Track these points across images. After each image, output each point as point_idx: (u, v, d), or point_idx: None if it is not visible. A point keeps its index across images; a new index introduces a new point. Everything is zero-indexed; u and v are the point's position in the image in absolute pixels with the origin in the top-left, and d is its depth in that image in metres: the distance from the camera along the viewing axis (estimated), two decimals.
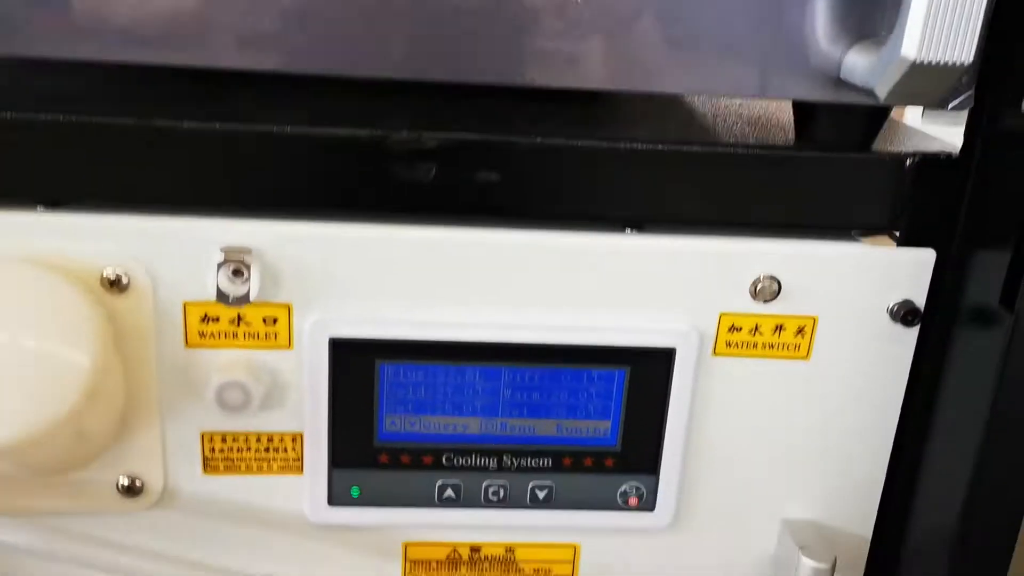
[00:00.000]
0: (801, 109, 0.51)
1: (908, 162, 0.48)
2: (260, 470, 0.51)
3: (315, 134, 0.46)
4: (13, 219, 0.45)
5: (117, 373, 0.47)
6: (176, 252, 0.46)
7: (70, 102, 0.48)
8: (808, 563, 0.51)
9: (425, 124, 0.47)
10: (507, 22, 0.44)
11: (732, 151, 0.48)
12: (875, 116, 0.49)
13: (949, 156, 0.48)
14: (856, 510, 0.54)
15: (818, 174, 0.48)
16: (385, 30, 0.44)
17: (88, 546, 0.49)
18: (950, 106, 0.45)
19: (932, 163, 0.48)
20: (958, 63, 0.40)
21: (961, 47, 0.40)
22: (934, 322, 0.50)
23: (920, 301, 0.50)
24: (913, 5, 0.40)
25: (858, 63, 0.44)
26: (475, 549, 0.54)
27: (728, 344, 0.50)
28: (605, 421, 0.51)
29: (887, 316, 0.50)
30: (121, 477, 0.50)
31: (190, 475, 0.51)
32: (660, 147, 0.47)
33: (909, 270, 0.49)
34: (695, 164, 0.48)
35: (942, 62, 0.40)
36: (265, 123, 0.46)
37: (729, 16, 0.45)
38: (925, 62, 0.40)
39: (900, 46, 0.40)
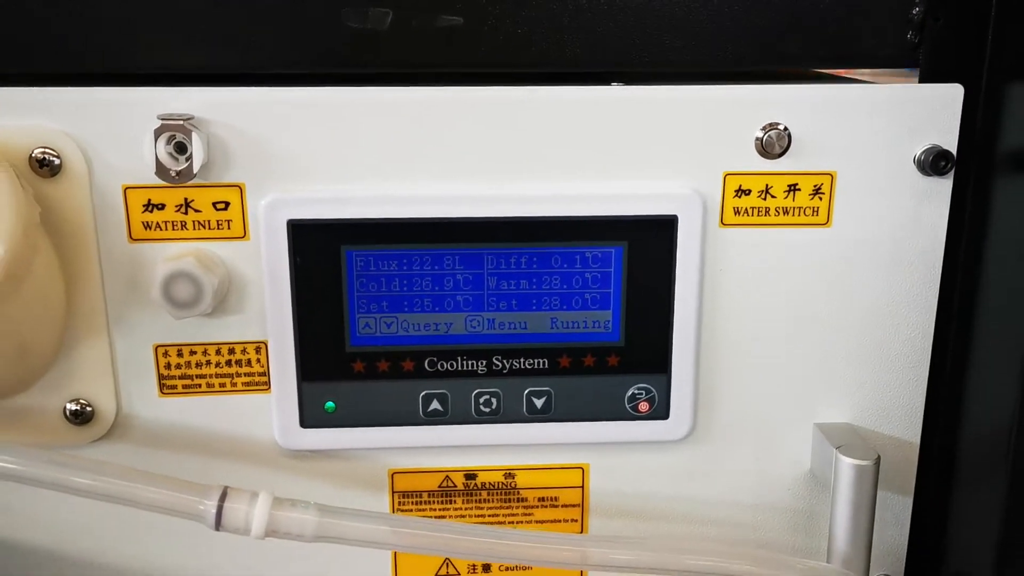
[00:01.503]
0: None
1: None
2: (223, 388, 0.43)
3: None
4: None
5: (51, 267, 0.40)
6: (112, 128, 0.39)
7: None
8: (848, 462, 0.42)
9: None
10: None
11: None
12: None
13: None
14: (899, 406, 0.45)
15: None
16: None
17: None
18: None
19: None
20: None
21: None
22: (969, 171, 0.42)
23: (951, 145, 0.42)
24: None
25: None
26: (470, 476, 0.45)
27: (736, 211, 0.42)
28: (605, 312, 0.43)
29: (914, 166, 0.42)
30: (68, 403, 0.43)
31: (145, 397, 0.43)
32: None
33: (935, 109, 0.41)
34: None
35: None
36: None
37: None
38: None
39: None
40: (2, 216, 0.36)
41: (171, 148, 0.39)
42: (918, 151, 0.42)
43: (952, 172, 0.42)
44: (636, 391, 0.44)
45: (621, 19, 0.41)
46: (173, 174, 0.39)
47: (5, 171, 0.37)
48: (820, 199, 0.42)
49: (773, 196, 0.42)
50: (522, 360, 0.43)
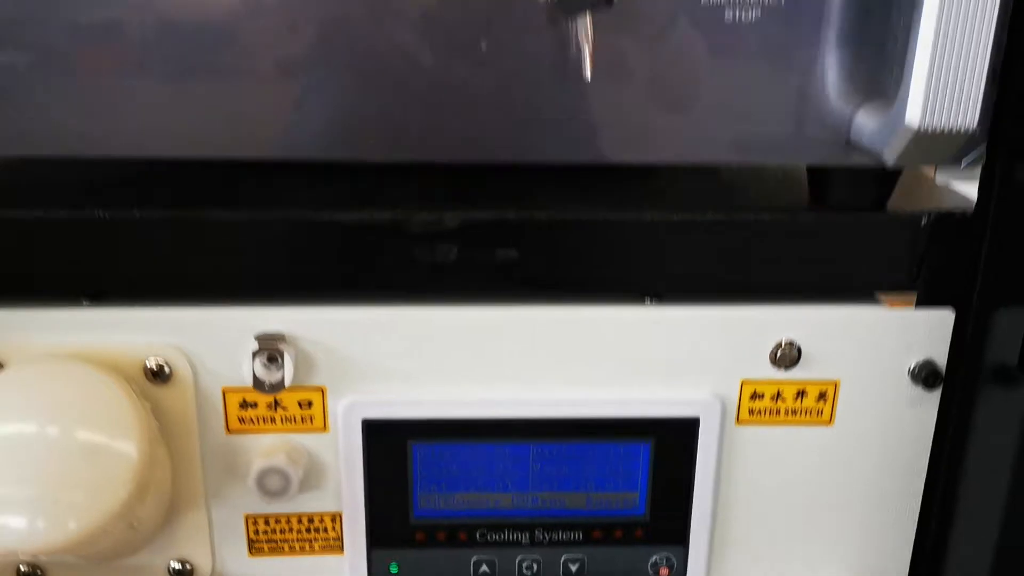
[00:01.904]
0: (814, 170, 0.49)
1: (923, 221, 0.46)
2: (303, 551, 0.50)
3: (339, 219, 0.45)
4: (59, 315, 0.45)
5: (165, 462, 0.46)
6: (213, 341, 0.45)
7: (101, 196, 0.47)
8: None
9: (445, 204, 0.46)
10: (518, 102, 0.43)
11: (748, 218, 0.46)
12: (888, 176, 0.47)
13: (964, 214, 0.46)
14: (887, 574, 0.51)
15: (834, 237, 0.46)
16: (400, 116, 0.43)
17: None
18: (963, 164, 0.43)
19: (947, 221, 0.46)
20: (962, 129, 0.38)
21: (964, 113, 0.38)
22: (956, 383, 0.47)
23: (941, 362, 0.47)
24: (915, 72, 0.38)
25: (866, 126, 0.43)
26: None
27: (751, 412, 0.48)
28: (633, 492, 0.49)
29: (908, 378, 0.47)
30: (172, 561, 0.49)
31: (236, 557, 0.49)
32: (675, 217, 0.46)
33: (929, 330, 0.47)
34: (712, 233, 0.46)
35: (946, 128, 0.38)
36: (291, 209, 0.45)
37: (738, 83, 0.43)
38: (929, 129, 0.38)
39: (904, 113, 0.39)
40: (131, 436, 0.42)
41: (264, 360, 0.45)
42: (912, 364, 0.47)
43: (941, 387, 0.47)
44: (658, 558, 0.50)
45: (653, 251, 0.46)
46: (267, 387, 0.45)
47: (127, 393, 0.43)
48: (824, 402, 0.48)
49: (784, 400, 0.48)
50: (560, 532, 0.49)
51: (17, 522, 0.40)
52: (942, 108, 0.38)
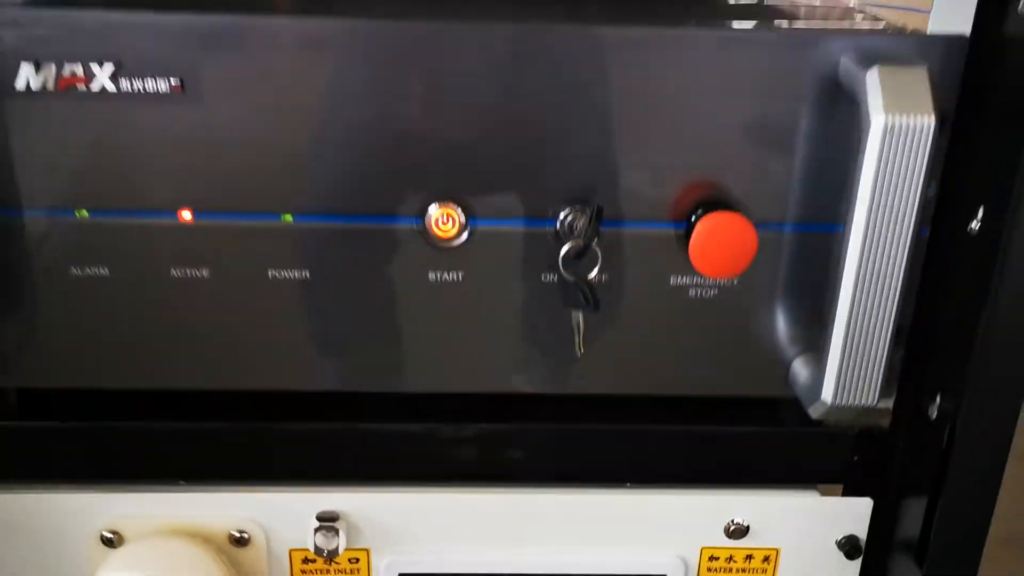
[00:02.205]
0: None
1: (849, 433, 0.57)
2: None
3: (383, 429, 0.57)
4: (161, 496, 0.57)
5: None
6: (283, 516, 0.58)
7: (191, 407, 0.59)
8: None
9: (466, 415, 0.57)
10: (525, 360, 0.54)
11: (712, 431, 0.57)
12: None
13: (881, 429, 0.57)
14: None
15: (780, 445, 0.58)
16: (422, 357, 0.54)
17: None
18: (877, 403, 0.53)
19: (868, 434, 0.57)
20: (866, 404, 0.49)
21: (868, 393, 0.49)
22: (874, 555, 0.59)
23: (862, 537, 0.59)
24: (829, 363, 0.49)
25: (799, 376, 0.53)
26: None
27: (709, 570, 0.60)
28: None
29: (835, 548, 0.59)
30: None
31: None
32: (652, 428, 0.57)
33: (853, 514, 0.58)
34: (682, 440, 0.57)
35: (853, 404, 0.49)
36: (344, 421, 0.57)
37: (698, 338, 0.54)
38: (840, 404, 0.49)
39: (820, 390, 0.50)
40: None
41: (323, 533, 0.57)
42: (839, 538, 0.59)
43: (860, 558, 0.59)
44: None
45: (634, 450, 0.58)
46: (325, 554, 0.57)
47: (216, 558, 0.56)
48: (768, 564, 0.60)
49: (735, 561, 0.59)
50: None
51: None
52: (850, 391, 0.49)
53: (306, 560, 0.59)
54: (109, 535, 0.57)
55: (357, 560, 0.59)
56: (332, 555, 0.57)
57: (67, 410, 0.57)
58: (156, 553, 0.55)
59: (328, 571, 0.59)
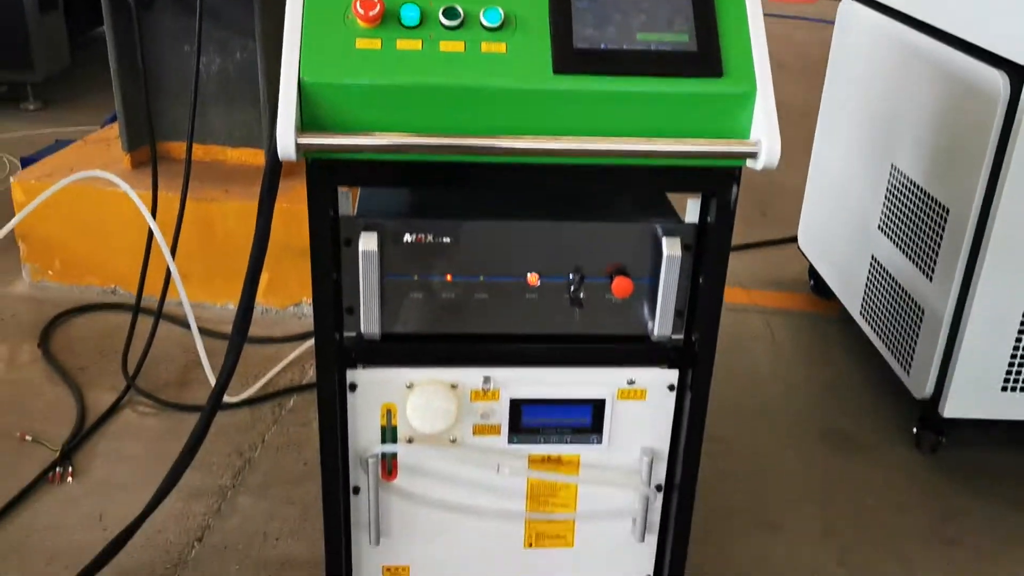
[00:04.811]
0: None
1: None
2: None
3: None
4: (433, 370, 1.58)
5: None
6: (473, 378, 1.58)
7: None
8: None
9: None
10: None
11: None
12: None
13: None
14: None
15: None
16: None
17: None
18: None
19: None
20: None
21: None
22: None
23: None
24: None
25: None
26: None
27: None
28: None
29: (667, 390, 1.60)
30: None
31: None
32: None
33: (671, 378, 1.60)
34: None
35: None
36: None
37: None
38: None
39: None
40: None
41: (484, 381, 1.58)
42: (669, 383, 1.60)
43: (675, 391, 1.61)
44: None
45: None
46: (487, 391, 1.58)
47: (455, 395, 1.57)
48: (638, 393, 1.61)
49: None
50: None
51: None
52: None
53: (476, 393, 1.59)
54: (408, 384, 1.57)
55: (496, 392, 1.59)
56: (487, 389, 1.58)
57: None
58: (430, 387, 1.56)
59: (485, 395, 1.60)
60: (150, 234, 2.61)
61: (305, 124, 1.29)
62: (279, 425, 2.48)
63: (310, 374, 2.71)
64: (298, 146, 1.27)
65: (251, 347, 2.76)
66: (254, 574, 2.00)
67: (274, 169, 1.44)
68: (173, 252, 2.51)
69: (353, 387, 1.54)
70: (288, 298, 2.99)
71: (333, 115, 1.30)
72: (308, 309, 3.01)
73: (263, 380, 2.64)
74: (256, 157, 3.11)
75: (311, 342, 2.76)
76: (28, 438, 2.36)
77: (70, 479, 2.25)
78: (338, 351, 1.50)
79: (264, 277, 2.90)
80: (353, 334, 1.51)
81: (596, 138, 1.34)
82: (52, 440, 2.35)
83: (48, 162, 3.13)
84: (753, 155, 1.35)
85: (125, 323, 2.77)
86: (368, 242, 1.43)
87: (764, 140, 1.34)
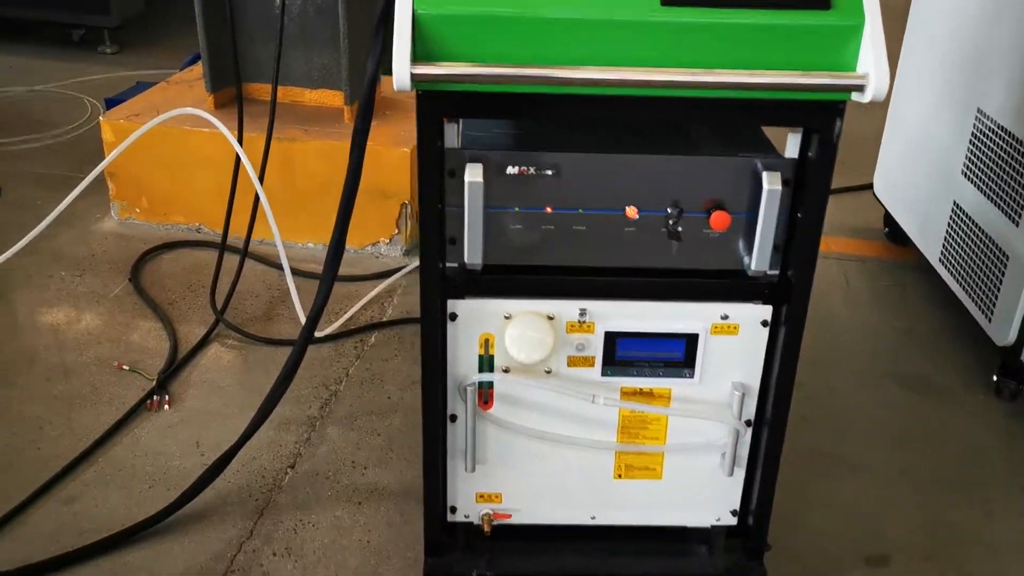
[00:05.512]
0: None
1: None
2: None
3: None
4: (531, 301, 1.60)
5: None
6: (570, 310, 1.60)
7: None
8: None
9: None
10: None
11: None
12: None
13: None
14: None
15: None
16: None
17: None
18: None
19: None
20: None
21: None
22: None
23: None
24: None
25: None
26: None
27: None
28: None
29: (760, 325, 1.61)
30: None
31: None
32: None
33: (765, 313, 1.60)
34: None
35: None
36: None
37: None
38: None
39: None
40: None
41: (580, 313, 1.60)
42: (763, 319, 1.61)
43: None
44: None
45: None
46: (583, 322, 1.60)
47: (551, 326, 1.59)
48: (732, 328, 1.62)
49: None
50: None
51: None
52: None
53: (572, 325, 1.61)
54: (507, 315, 1.59)
55: (591, 324, 1.61)
56: (583, 320, 1.60)
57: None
58: (528, 318, 1.58)
59: (580, 327, 1.62)
60: (235, 173, 2.66)
61: (417, 55, 1.30)
62: (362, 360, 2.53)
63: (389, 312, 2.76)
64: (413, 76, 1.29)
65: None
66: (347, 499, 2.06)
67: (368, 104, 1.47)
68: (258, 191, 2.55)
69: (453, 316, 1.57)
70: (366, 237, 3.03)
71: (445, 46, 1.31)
72: (385, 249, 3.05)
73: (344, 317, 2.69)
74: (334, 98, 3.14)
75: (389, 280, 2.81)
76: (125, 367, 2.44)
77: (167, 407, 2.32)
78: (440, 281, 1.53)
79: None
80: (454, 264, 1.54)
81: (706, 70, 1.33)
82: (147, 370, 2.43)
83: (133, 103, 3.19)
84: (860, 88, 1.34)
85: (210, 260, 2.84)
86: (474, 173, 1.45)
87: (872, 72, 1.32)
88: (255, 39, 3.07)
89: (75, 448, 2.15)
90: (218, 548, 1.91)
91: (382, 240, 3.04)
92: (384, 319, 2.73)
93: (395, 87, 1.30)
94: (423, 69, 1.30)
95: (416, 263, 2.93)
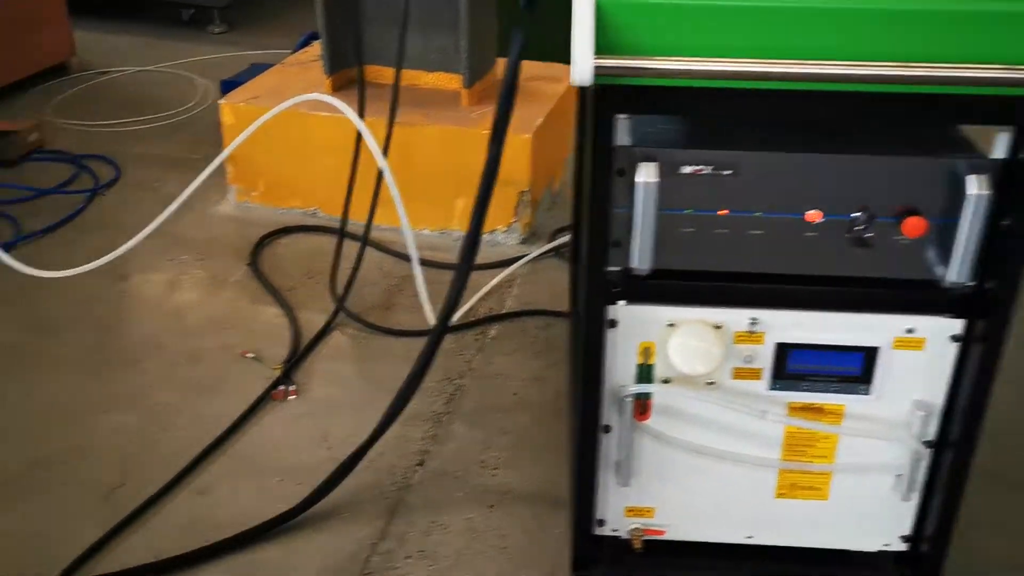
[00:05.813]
0: None
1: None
2: None
3: None
4: (700, 309, 1.49)
5: None
6: (740, 318, 1.48)
7: None
8: None
9: None
10: None
11: None
12: None
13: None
14: None
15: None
16: None
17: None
18: None
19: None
20: None
21: None
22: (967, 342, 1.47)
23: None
24: None
25: None
26: None
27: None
28: None
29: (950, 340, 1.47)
30: None
31: None
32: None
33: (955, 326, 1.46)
34: None
35: None
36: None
37: None
38: None
39: None
40: None
41: (750, 323, 1.48)
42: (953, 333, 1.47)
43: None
44: None
45: None
46: (753, 332, 1.49)
47: (720, 335, 1.48)
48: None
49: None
50: None
51: None
52: None
53: (740, 335, 1.50)
54: (670, 323, 1.49)
55: (761, 335, 1.49)
56: (753, 330, 1.48)
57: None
58: (696, 327, 1.47)
59: (750, 337, 1.50)
60: (355, 157, 2.60)
61: (600, 47, 1.20)
62: (483, 353, 2.46)
63: (508, 303, 2.68)
64: (597, 69, 1.18)
65: (448, 274, 2.73)
66: (477, 501, 1.99)
67: (510, 94, 1.38)
68: (379, 175, 2.49)
69: (613, 323, 1.47)
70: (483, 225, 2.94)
71: (629, 37, 1.20)
72: (501, 237, 2.97)
73: (465, 307, 2.62)
74: (451, 81, 3.05)
75: (509, 270, 2.72)
76: (250, 355, 2.41)
77: (292, 397, 2.29)
78: (602, 286, 1.43)
79: (459, 203, 2.87)
80: (616, 268, 1.43)
81: (917, 63, 1.20)
82: (270, 357, 2.40)
83: (251, 86, 3.16)
84: None
85: (327, 245, 2.80)
86: (648, 173, 1.34)
87: None
88: (373, 21, 3.00)
89: (204, 437, 2.12)
90: (352, 548, 1.86)
91: (499, 228, 2.95)
92: (504, 311, 2.64)
93: (574, 81, 1.20)
94: (610, 62, 1.19)
95: (534, 252, 2.86)
